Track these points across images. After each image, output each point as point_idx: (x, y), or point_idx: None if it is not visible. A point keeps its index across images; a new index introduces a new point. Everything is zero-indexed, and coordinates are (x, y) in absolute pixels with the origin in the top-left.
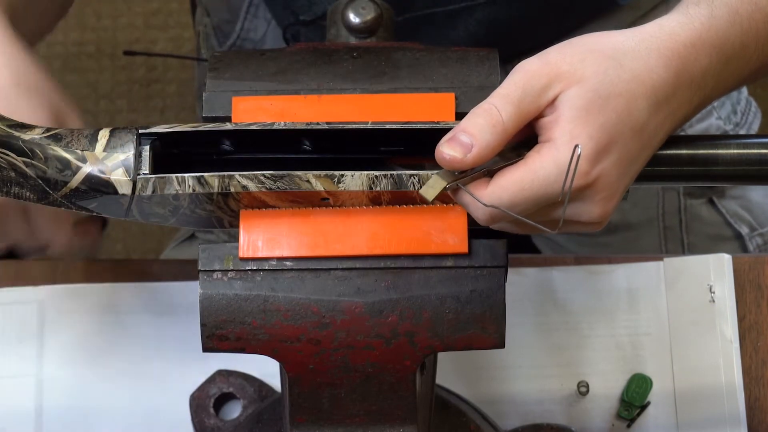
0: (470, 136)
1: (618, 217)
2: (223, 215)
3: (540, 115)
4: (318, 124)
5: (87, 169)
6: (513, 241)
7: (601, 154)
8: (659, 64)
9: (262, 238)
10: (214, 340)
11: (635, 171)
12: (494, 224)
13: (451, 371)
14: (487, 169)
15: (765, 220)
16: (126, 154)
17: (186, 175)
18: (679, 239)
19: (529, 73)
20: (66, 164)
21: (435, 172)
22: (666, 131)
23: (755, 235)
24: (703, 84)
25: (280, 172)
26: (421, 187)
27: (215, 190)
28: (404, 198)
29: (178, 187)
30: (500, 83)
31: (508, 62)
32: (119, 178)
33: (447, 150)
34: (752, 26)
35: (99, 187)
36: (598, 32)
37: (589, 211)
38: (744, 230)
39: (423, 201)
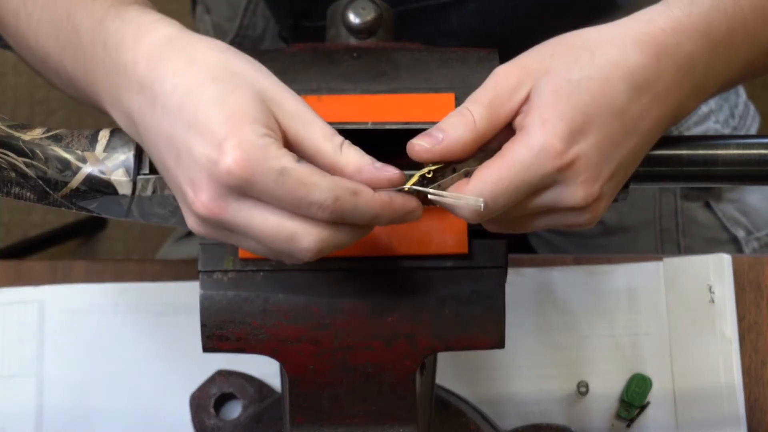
0: (442, 131)
1: (615, 220)
2: None
3: (517, 113)
4: None
5: (87, 169)
6: (510, 242)
7: (576, 134)
8: (635, 49)
9: None
10: (214, 341)
11: (622, 156)
12: (484, 222)
13: (451, 371)
14: (467, 170)
15: (761, 223)
16: (126, 155)
17: None
18: (676, 242)
19: (499, 76)
20: (66, 165)
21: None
22: (655, 117)
23: (751, 239)
24: (691, 69)
25: None
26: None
27: None
28: None
29: None
30: None
31: (505, 58)
32: (119, 178)
33: (417, 141)
34: (737, 12)
35: (99, 187)
36: (574, 31)
37: (573, 194)
38: (740, 234)
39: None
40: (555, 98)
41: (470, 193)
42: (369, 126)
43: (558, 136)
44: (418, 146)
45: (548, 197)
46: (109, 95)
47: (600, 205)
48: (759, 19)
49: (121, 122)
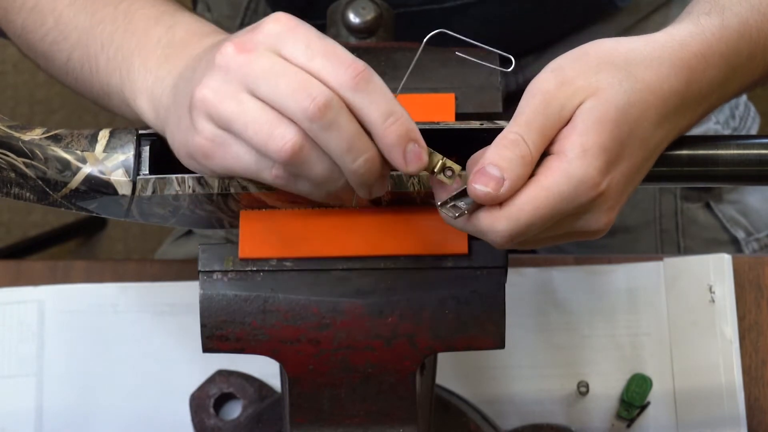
0: (500, 169)
1: (615, 220)
2: (223, 216)
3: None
4: None
5: (87, 169)
6: None
7: (611, 164)
8: (671, 73)
9: (262, 239)
10: (214, 341)
11: (638, 180)
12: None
13: (451, 371)
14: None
15: (761, 225)
16: (126, 155)
17: (186, 175)
18: (676, 243)
19: (548, 95)
20: (66, 165)
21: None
22: (670, 140)
23: (751, 240)
24: (709, 95)
25: None
26: (422, 187)
27: (215, 190)
28: (404, 198)
29: (178, 188)
30: (500, 85)
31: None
32: (119, 178)
33: (480, 187)
34: (761, 36)
35: (99, 187)
36: (608, 40)
37: (597, 220)
38: (740, 235)
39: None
40: (600, 127)
41: (507, 221)
42: None
43: (598, 169)
44: (482, 192)
45: (574, 223)
46: (150, 61)
47: (608, 228)
48: None
49: (146, 84)
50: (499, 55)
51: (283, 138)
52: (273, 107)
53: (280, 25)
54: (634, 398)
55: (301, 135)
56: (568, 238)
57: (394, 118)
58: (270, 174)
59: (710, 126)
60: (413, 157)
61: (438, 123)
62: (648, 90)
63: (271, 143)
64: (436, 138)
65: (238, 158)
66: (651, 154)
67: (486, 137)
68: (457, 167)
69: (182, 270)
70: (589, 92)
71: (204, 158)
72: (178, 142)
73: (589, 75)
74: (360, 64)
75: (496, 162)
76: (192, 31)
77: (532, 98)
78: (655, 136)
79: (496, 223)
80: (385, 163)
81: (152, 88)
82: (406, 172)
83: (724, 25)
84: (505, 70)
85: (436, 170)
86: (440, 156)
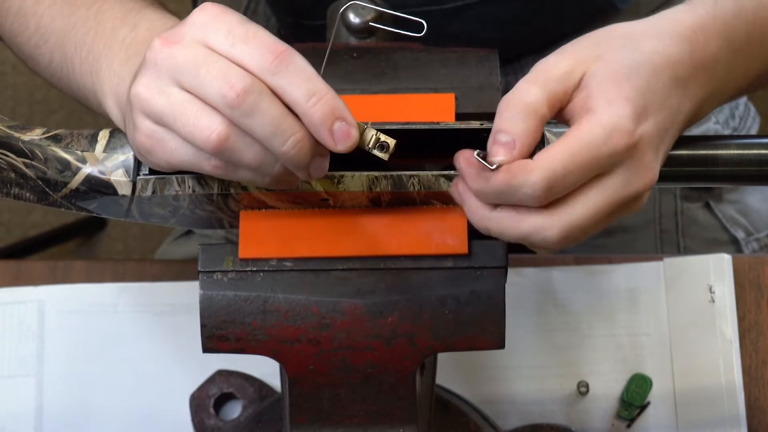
0: (507, 133)
1: (615, 220)
2: (223, 216)
3: (568, 101)
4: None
5: (87, 169)
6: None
7: (640, 115)
8: (671, 43)
9: (262, 239)
10: (214, 341)
11: (669, 142)
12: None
13: (451, 371)
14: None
15: (761, 225)
16: (126, 155)
17: (186, 175)
18: (676, 243)
19: (549, 63)
20: (66, 165)
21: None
22: (686, 111)
23: (751, 240)
24: (714, 71)
25: None
26: (422, 187)
27: (215, 191)
28: (404, 198)
29: (178, 188)
30: (500, 84)
31: (507, 63)
32: (119, 178)
33: (495, 158)
34: (757, 22)
35: (99, 187)
36: (605, 27)
37: (640, 176)
38: (740, 235)
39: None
40: (615, 80)
41: (540, 170)
42: (369, 126)
43: (627, 117)
44: (499, 162)
45: (615, 184)
46: (115, 62)
47: (649, 192)
48: None
49: (111, 84)
50: (410, 20)
51: (209, 128)
52: (198, 98)
53: (204, 15)
54: (634, 398)
55: (226, 123)
56: (616, 210)
57: (317, 98)
58: (209, 165)
59: (710, 126)
60: (341, 135)
61: (438, 123)
62: (655, 53)
63: (198, 134)
64: (436, 138)
65: (175, 152)
66: (674, 117)
67: (486, 137)
68: (391, 141)
69: (182, 270)
70: (593, 58)
71: (147, 154)
72: (130, 140)
73: (591, 46)
74: (280, 46)
75: (501, 127)
76: (153, 28)
77: (533, 69)
78: (672, 97)
79: (531, 175)
80: (319, 143)
81: (116, 89)
82: (336, 150)
83: (718, 5)
84: (416, 35)
85: (370, 146)
86: (374, 131)
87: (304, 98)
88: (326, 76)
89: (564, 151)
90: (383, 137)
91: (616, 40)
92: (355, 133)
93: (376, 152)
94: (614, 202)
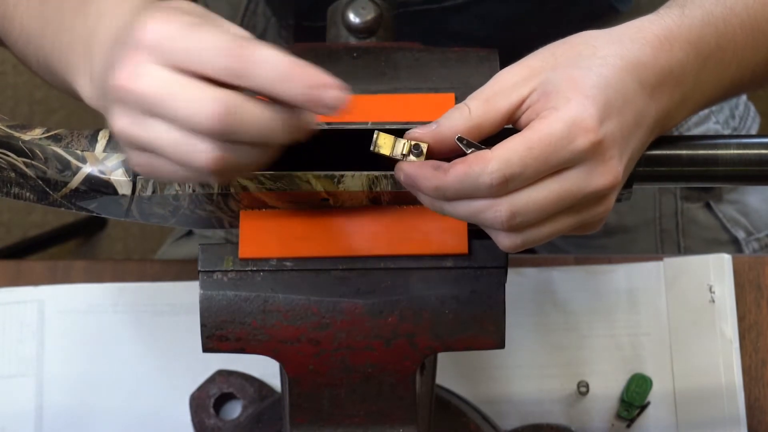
0: (437, 122)
1: (615, 220)
2: (223, 216)
3: (521, 108)
4: (318, 124)
5: (87, 169)
6: None
7: (602, 114)
8: (634, 47)
9: (262, 239)
10: (214, 341)
11: (634, 147)
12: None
13: (451, 371)
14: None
15: (762, 224)
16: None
17: None
18: (676, 243)
19: (501, 75)
20: (66, 165)
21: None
22: (653, 114)
23: (752, 240)
24: (682, 79)
25: (280, 173)
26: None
27: (215, 190)
28: (404, 198)
29: (178, 188)
30: None
31: (507, 63)
32: (119, 178)
33: (413, 129)
34: (728, 30)
35: (99, 187)
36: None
37: (601, 174)
38: (740, 235)
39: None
40: (574, 83)
41: (496, 160)
42: (369, 126)
43: (589, 113)
44: (413, 132)
45: (575, 178)
46: (80, 59)
47: (614, 195)
48: (748, 39)
49: (85, 91)
50: None
51: (204, 153)
52: (178, 126)
53: (151, 34)
54: (634, 398)
55: (216, 144)
56: (572, 218)
57: (290, 83)
58: (208, 180)
59: (710, 126)
60: (330, 102)
61: None
62: (615, 56)
63: (194, 160)
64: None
65: (174, 174)
66: (638, 120)
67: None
68: (424, 144)
69: (182, 270)
70: (547, 68)
71: (147, 176)
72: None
73: (546, 57)
74: (235, 46)
75: (437, 120)
76: (101, 14)
77: (492, 78)
78: (636, 100)
79: (488, 164)
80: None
81: (86, 88)
82: (329, 114)
83: (685, 14)
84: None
85: (404, 153)
86: (404, 141)
87: (280, 89)
88: None
89: (523, 142)
90: (414, 141)
91: (573, 47)
92: (339, 92)
93: (412, 158)
94: (571, 195)
